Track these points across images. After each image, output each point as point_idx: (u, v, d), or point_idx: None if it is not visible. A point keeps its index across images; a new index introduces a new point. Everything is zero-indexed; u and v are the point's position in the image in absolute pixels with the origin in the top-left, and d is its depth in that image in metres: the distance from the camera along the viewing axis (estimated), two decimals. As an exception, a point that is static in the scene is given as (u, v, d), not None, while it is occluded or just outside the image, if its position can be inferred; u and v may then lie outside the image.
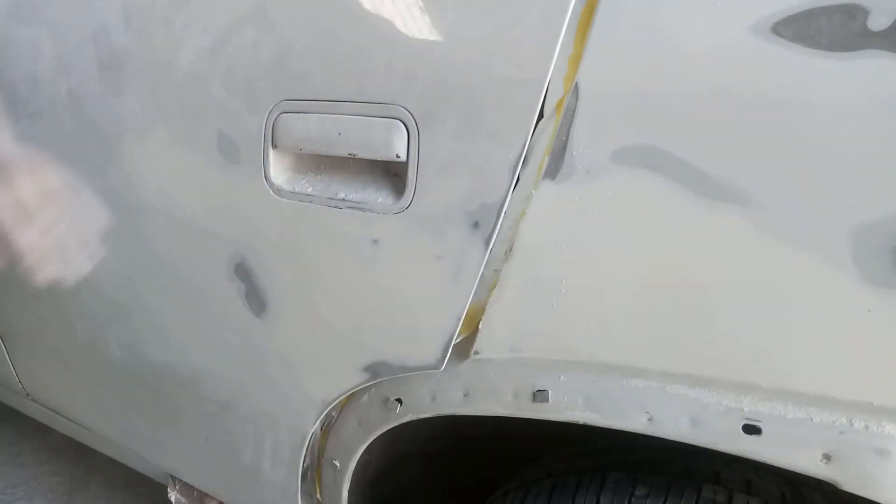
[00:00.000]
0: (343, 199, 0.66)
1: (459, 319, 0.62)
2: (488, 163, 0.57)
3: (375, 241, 0.65)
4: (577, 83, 0.53)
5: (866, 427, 0.49)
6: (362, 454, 0.79)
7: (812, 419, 0.50)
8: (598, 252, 0.55)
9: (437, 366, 0.65)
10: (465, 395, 0.67)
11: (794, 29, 0.45)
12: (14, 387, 1.30)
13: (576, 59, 0.52)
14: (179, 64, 0.74)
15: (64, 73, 0.85)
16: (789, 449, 0.51)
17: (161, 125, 0.77)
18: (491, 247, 0.59)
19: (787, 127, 0.46)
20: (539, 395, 0.61)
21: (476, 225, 0.58)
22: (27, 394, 1.30)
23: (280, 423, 0.83)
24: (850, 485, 0.50)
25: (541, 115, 0.54)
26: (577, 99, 0.53)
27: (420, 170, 0.60)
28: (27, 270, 0.67)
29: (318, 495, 0.88)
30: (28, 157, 0.66)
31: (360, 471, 0.83)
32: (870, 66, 0.43)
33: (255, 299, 0.77)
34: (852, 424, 0.49)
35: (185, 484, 1.09)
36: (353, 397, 0.77)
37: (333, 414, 0.80)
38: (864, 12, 0.43)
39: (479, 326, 0.63)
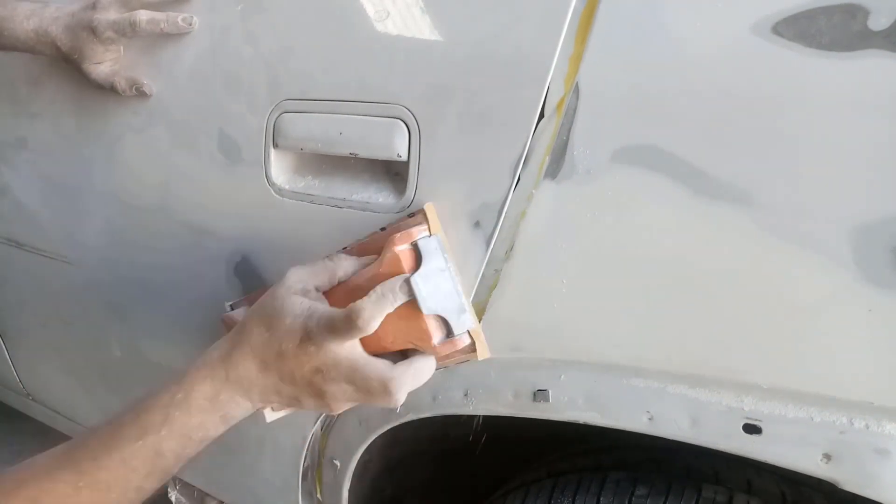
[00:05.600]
0: (344, 199, 0.66)
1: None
2: (489, 162, 0.57)
3: (376, 241, 0.65)
4: (577, 83, 0.53)
5: (867, 427, 0.49)
6: (363, 454, 0.79)
7: (812, 419, 0.50)
8: (598, 252, 0.55)
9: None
10: (465, 395, 0.67)
11: (795, 29, 0.45)
12: (14, 387, 1.30)
13: (576, 59, 0.52)
14: (181, 63, 0.74)
15: (66, 73, 0.85)
16: (790, 449, 0.51)
17: (162, 124, 0.77)
18: (492, 246, 0.59)
19: (788, 127, 0.46)
20: (539, 395, 0.61)
21: (477, 224, 0.59)
22: (27, 394, 1.30)
23: (280, 423, 0.83)
24: (850, 484, 0.50)
25: (541, 115, 0.54)
26: (577, 99, 0.53)
27: (421, 169, 0.60)
28: None
29: (318, 495, 0.88)
30: None
31: (361, 471, 0.83)
32: (870, 65, 0.43)
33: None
34: (853, 424, 0.49)
35: (186, 484, 1.09)
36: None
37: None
38: (865, 12, 0.43)
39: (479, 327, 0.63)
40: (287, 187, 0.70)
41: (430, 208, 0.59)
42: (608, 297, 0.56)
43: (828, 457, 0.50)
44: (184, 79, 0.74)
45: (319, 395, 0.56)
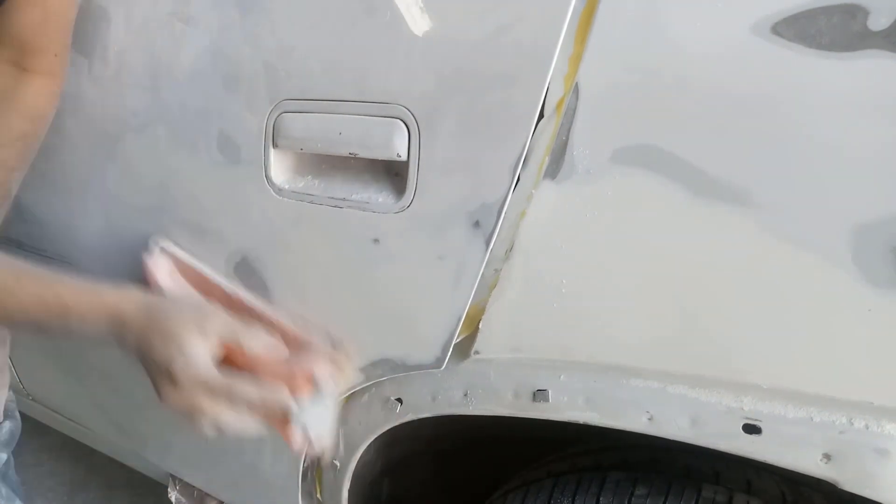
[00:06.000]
0: (344, 199, 0.66)
1: (460, 319, 0.62)
2: (489, 162, 0.57)
3: (376, 241, 0.65)
4: (577, 83, 0.53)
5: (866, 427, 0.49)
6: (362, 454, 0.79)
7: (812, 419, 0.50)
8: (598, 252, 0.55)
9: (437, 365, 0.66)
10: (465, 395, 0.67)
11: (795, 29, 0.45)
12: (14, 387, 1.30)
13: (576, 59, 0.52)
14: (180, 63, 0.74)
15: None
16: (789, 449, 0.51)
17: (161, 124, 0.77)
18: (491, 246, 0.59)
19: (788, 127, 0.46)
20: (539, 395, 0.62)
21: (477, 224, 0.59)
22: (27, 394, 1.30)
23: None
24: (850, 484, 0.50)
25: (541, 115, 0.54)
26: (577, 99, 0.53)
27: (421, 169, 0.60)
28: None
29: (318, 495, 0.88)
30: None
31: (361, 471, 0.83)
32: (870, 66, 0.43)
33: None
34: (852, 424, 0.49)
35: (186, 484, 1.09)
36: (353, 397, 0.77)
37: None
38: (865, 12, 0.43)
39: (480, 326, 0.63)
40: (287, 187, 0.70)
41: (349, 365, 0.64)
42: (608, 297, 0.56)
43: (827, 457, 0.50)
44: (183, 79, 0.74)
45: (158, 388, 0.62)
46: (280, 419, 0.62)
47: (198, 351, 0.59)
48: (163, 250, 0.76)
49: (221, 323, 0.62)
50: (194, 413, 0.60)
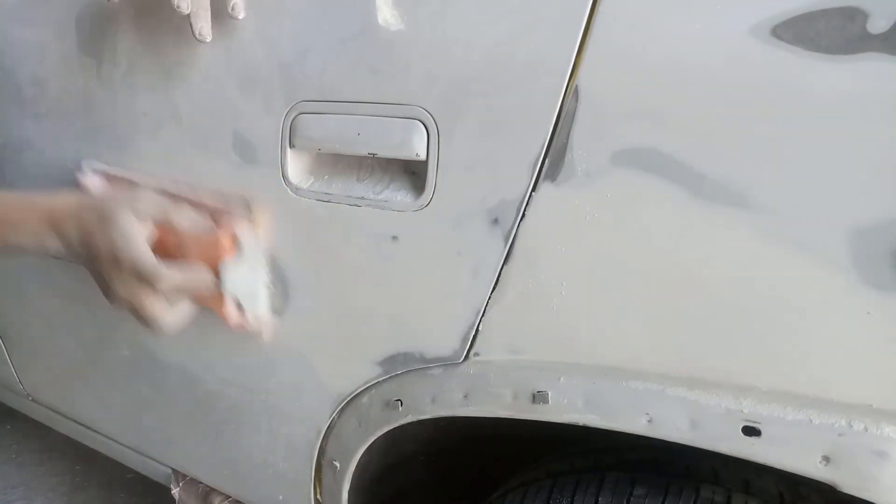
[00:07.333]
0: (362, 198, 0.66)
1: (479, 312, 0.63)
2: (508, 161, 0.57)
3: (395, 238, 0.65)
4: (577, 85, 0.53)
5: (865, 429, 0.49)
6: (362, 455, 0.79)
7: (811, 421, 0.50)
8: (597, 254, 0.55)
9: (456, 358, 0.66)
10: (464, 397, 0.67)
11: (794, 31, 0.45)
12: (14, 387, 1.30)
13: (576, 61, 0.52)
14: (194, 65, 0.74)
15: (73, 73, 0.85)
16: (789, 451, 0.51)
17: (174, 125, 0.77)
18: (510, 242, 0.59)
19: (787, 129, 0.46)
20: (539, 397, 0.62)
21: (496, 221, 0.59)
22: (27, 394, 1.30)
23: (295, 417, 0.83)
24: (849, 487, 0.50)
25: (560, 113, 0.54)
26: (577, 101, 0.53)
27: (440, 168, 0.61)
28: None
29: (318, 496, 0.88)
30: None
31: (361, 471, 0.83)
32: (869, 68, 0.43)
33: (274, 296, 0.77)
34: (851, 426, 0.49)
35: (189, 480, 1.09)
36: (353, 398, 0.77)
37: (334, 415, 0.80)
38: (864, 15, 0.43)
39: (479, 327, 0.63)
40: (304, 186, 0.70)
41: (262, 213, 0.71)
42: (607, 299, 0.56)
43: (827, 459, 0.50)
44: (197, 80, 0.74)
45: (106, 286, 0.67)
46: (214, 298, 0.69)
47: (135, 231, 0.64)
48: (94, 171, 0.81)
49: (152, 202, 0.67)
50: (139, 306, 0.65)
